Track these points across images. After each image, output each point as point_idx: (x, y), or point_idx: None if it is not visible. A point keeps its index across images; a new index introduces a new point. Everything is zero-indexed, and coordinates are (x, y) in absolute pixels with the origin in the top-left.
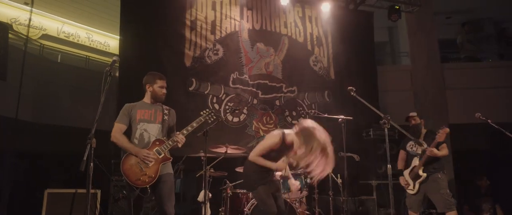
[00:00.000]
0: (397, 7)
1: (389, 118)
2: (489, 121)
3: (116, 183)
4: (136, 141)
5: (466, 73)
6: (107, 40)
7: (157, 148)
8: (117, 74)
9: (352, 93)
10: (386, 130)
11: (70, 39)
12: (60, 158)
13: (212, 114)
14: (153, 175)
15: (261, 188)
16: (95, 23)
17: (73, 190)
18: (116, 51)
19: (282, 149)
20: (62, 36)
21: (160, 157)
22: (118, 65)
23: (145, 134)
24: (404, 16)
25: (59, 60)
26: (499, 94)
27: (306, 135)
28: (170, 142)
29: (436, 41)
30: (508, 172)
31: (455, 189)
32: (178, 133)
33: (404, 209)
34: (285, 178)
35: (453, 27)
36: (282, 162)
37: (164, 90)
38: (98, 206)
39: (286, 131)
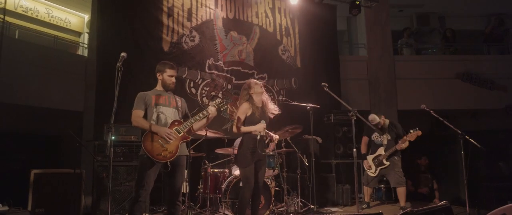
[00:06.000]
0: (357, 2)
1: (356, 111)
2: (431, 111)
3: (99, 163)
4: (153, 123)
5: (413, 65)
6: (68, 17)
7: (176, 127)
8: (86, 54)
9: (325, 89)
10: (353, 120)
11: (29, 14)
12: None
13: (224, 102)
14: (173, 151)
15: (248, 169)
16: None
17: (60, 170)
18: (79, 29)
19: (254, 112)
20: (19, 10)
21: (180, 135)
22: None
23: (162, 115)
24: (363, 10)
25: (16, 37)
26: (441, 85)
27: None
28: (187, 123)
29: (390, 35)
30: (445, 151)
31: (401, 166)
32: (210, 105)
33: (360, 184)
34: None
35: (406, 19)
36: (261, 124)
37: (173, 79)
38: (83, 185)
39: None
